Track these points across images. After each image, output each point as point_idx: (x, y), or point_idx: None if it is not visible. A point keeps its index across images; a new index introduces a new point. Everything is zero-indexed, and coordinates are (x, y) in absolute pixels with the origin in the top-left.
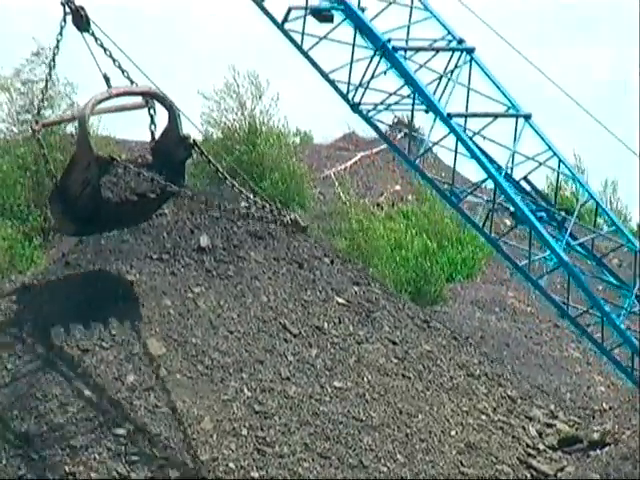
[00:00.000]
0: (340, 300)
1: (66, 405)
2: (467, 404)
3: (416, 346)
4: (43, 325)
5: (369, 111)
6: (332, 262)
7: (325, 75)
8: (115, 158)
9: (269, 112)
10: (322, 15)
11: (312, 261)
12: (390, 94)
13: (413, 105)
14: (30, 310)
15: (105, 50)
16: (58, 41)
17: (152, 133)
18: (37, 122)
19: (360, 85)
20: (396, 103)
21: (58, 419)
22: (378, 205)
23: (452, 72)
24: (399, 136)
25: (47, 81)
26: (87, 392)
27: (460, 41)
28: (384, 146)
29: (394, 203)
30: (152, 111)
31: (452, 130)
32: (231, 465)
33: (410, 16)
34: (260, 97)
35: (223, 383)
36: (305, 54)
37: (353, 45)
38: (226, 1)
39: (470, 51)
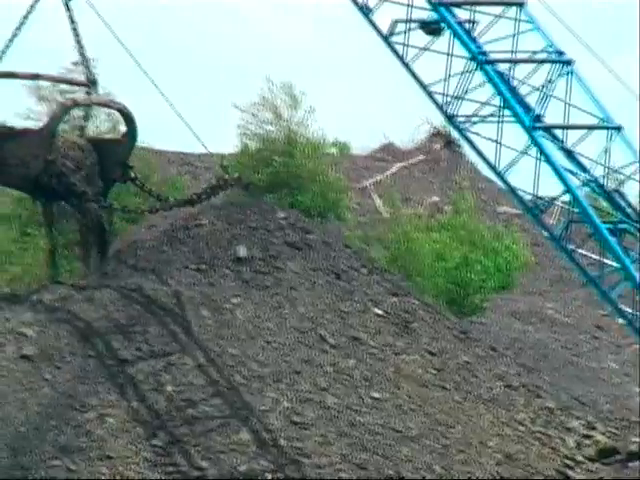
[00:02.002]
0: (378, 311)
1: (105, 416)
2: (505, 415)
3: (454, 357)
4: (82, 335)
5: (463, 122)
6: (370, 273)
7: (424, 87)
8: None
9: (306, 123)
10: (431, 28)
11: (350, 272)
12: (481, 104)
13: (501, 117)
14: (69, 320)
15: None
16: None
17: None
18: None
19: (456, 97)
20: (491, 115)
21: (96, 430)
22: (416, 216)
23: (549, 83)
24: (437, 147)
25: (14, 36)
26: (125, 403)
27: (559, 53)
28: (422, 157)
29: (432, 214)
30: (92, 91)
31: (535, 142)
32: (269, 476)
33: (517, 29)
34: (296, 108)
35: (261, 394)
36: (407, 66)
37: (449, 57)
38: (260, 13)
39: (569, 63)
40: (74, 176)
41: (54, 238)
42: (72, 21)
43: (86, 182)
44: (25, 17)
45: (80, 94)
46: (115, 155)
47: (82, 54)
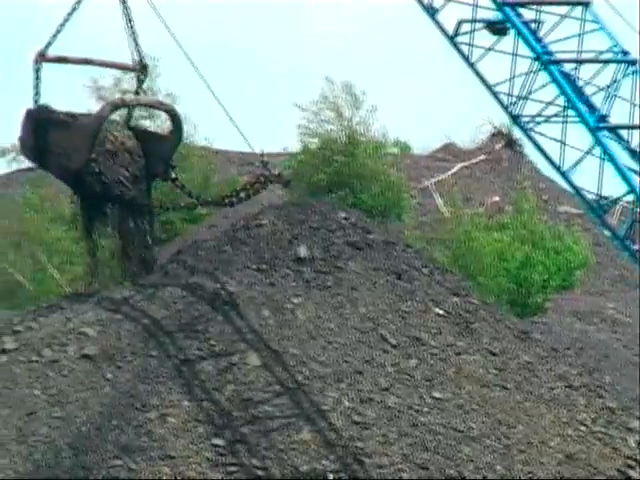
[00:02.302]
0: (439, 311)
1: (165, 416)
2: (566, 415)
3: (515, 357)
4: (143, 335)
5: (528, 122)
6: (431, 273)
7: (489, 87)
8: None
9: (367, 122)
10: (497, 28)
11: (411, 272)
12: (546, 104)
13: (565, 117)
14: (130, 320)
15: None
16: None
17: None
18: (42, 55)
19: (520, 97)
20: (556, 115)
21: (157, 429)
22: (477, 215)
23: (614, 83)
24: (498, 146)
25: (65, 20)
26: (186, 403)
27: (625, 53)
28: (483, 157)
29: (493, 214)
30: (142, 76)
31: (599, 142)
32: (330, 476)
33: (582, 29)
34: (357, 108)
35: (322, 394)
36: (472, 66)
37: (514, 57)
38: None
39: (634, 63)
40: (117, 177)
41: (93, 242)
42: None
43: (130, 184)
44: (77, 2)
45: (130, 94)
46: (159, 151)
47: (134, 38)
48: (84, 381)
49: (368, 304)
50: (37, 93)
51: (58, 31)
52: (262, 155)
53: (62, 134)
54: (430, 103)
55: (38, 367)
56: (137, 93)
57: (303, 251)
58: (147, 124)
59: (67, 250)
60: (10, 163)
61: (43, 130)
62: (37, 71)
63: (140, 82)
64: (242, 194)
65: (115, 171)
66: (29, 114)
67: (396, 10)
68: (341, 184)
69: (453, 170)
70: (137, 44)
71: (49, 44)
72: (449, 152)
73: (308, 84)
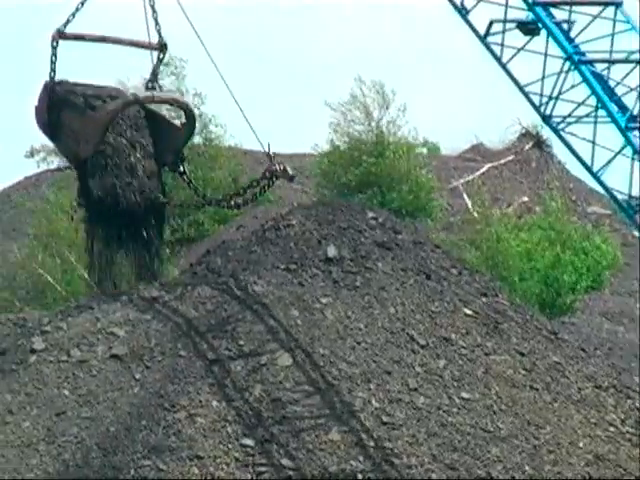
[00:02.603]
0: (468, 311)
1: (194, 416)
2: (595, 416)
3: (544, 357)
4: (172, 335)
5: (559, 123)
6: (460, 273)
7: (520, 87)
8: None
9: (396, 123)
10: (528, 28)
11: (440, 272)
12: (578, 104)
13: (596, 117)
14: (159, 320)
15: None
16: None
17: (153, 76)
18: (60, 32)
19: (551, 97)
20: (587, 115)
21: (186, 430)
22: (506, 216)
23: None
24: (527, 147)
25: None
26: (215, 403)
27: None
28: (511, 157)
29: (522, 214)
30: (161, 55)
31: (629, 142)
32: (359, 476)
33: (614, 29)
34: (387, 107)
35: (351, 394)
36: (503, 66)
37: (545, 56)
38: (352, 12)
39: None
40: (124, 179)
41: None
42: None
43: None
44: None
45: (146, 92)
46: (170, 140)
47: (155, 17)
48: (113, 381)
49: (397, 304)
50: (53, 70)
51: (77, 9)
52: (269, 149)
53: (75, 118)
54: (459, 103)
55: (67, 367)
56: (155, 74)
57: (332, 251)
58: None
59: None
60: (39, 163)
61: (57, 107)
62: (54, 49)
63: (159, 61)
64: (248, 193)
65: (122, 171)
66: (46, 87)
67: (426, 10)
68: (370, 184)
69: (482, 170)
70: (157, 22)
71: (67, 22)
72: (478, 153)
73: (338, 84)
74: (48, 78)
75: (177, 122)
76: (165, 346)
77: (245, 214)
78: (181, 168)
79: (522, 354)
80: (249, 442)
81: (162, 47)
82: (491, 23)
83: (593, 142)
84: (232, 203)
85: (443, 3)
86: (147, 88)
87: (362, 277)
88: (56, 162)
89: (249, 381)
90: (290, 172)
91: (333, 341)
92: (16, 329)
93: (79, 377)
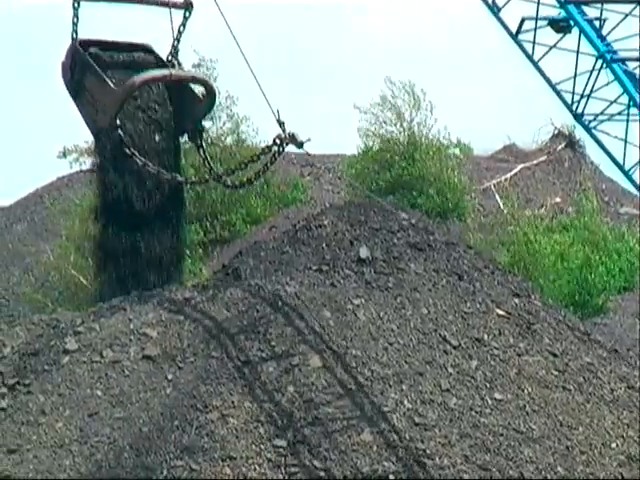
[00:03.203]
0: (500, 312)
1: (227, 416)
2: (628, 416)
3: (576, 358)
4: (204, 336)
5: (591, 121)
6: (492, 273)
7: (552, 85)
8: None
9: (428, 123)
10: (560, 26)
11: (472, 272)
12: (610, 102)
13: (628, 115)
14: (191, 321)
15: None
16: None
17: (174, 51)
18: None
19: (583, 95)
20: (619, 113)
21: (219, 430)
22: (539, 217)
23: None
24: (559, 147)
25: None
26: (247, 404)
27: None
28: (544, 158)
29: (554, 215)
30: (187, 13)
31: None
32: (391, 477)
33: None
34: (418, 108)
35: (383, 395)
36: (535, 64)
37: (577, 54)
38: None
39: None
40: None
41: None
42: None
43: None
44: None
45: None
46: (191, 109)
47: None
48: (145, 382)
49: (429, 305)
50: (75, 32)
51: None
52: (278, 115)
53: (95, 85)
54: (491, 103)
55: (100, 368)
56: (180, 33)
57: (364, 252)
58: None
59: None
60: (72, 164)
61: (81, 70)
62: (76, 10)
63: (185, 19)
64: (260, 163)
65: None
66: (72, 47)
67: (457, 9)
68: (402, 186)
69: (514, 171)
70: None
71: None
72: (510, 153)
73: (369, 85)
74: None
75: (198, 92)
76: (197, 347)
77: (277, 215)
78: (199, 140)
79: (555, 355)
80: (281, 443)
81: (188, 4)
82: (523, 21)
83: (625, 140)
84: (246, 178)
85: (473, 1)
86: (168, 61)
87: (394, 278)
88: (89, 162)
89: (281, 382)
90: (299, 139)
91: (365, 342)
92: (49, 330)
93: (112, 378)
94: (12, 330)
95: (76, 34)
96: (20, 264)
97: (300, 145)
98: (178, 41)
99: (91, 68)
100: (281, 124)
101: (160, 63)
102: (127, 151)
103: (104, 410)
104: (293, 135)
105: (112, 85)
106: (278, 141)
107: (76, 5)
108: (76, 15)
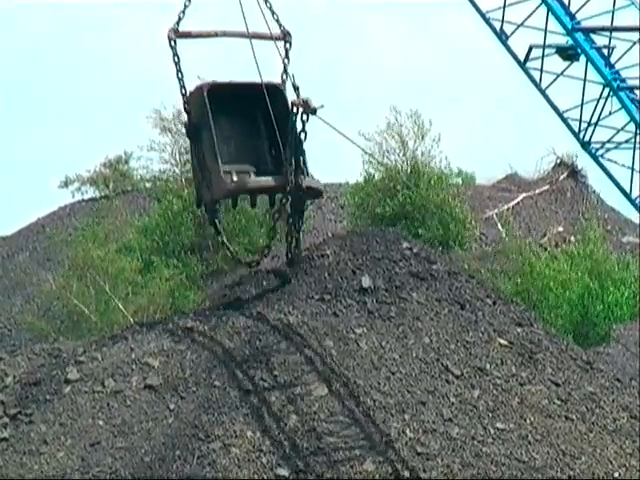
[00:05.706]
0: (502, 341)
1: (229, 446)
2: (630, 446)
3: (579, 388)
4: (206, 365)
5: (598, 149)
6: (494, 303)
7: (559, 113)
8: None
9: (431, 153)
10: (568, 53)
11: (474, 302)
12: (617, 130)
13: (635, 143)
14: (194, 350)
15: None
16: None
17: (284, 73)
18: (175, 30)
19: (590, 123)
20: (626, 141)
21: (221, 460)
22: (541, 246)
23: None
24: (562, 177)
25: None
26: (250, 433)
27: None
28: (546, 187)
29: (557, 244)
30: (288, 45)
31: None
32: None
33: None
34: (423, 137)
35: (385, 424)
36: (542, 92)
37: (584, 82)
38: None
39: None
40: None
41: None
42: None
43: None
44: None
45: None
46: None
47: (270, 7)
48: (147, 411)
49: (431, 334)
50: (179, 71)
51: (186, 6)
52: (293, 79)
53: (207, 148)
54: (493, 133)
55: (101, 397)
56: (284, 64)
57: (366, 281)
58: None
59: (131, 281)
60: (74, 193)
61: (199, 122)
62: (173, 48)
63: (286, 51)
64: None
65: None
66: (198, 91)
67: (461, 36)
68: (405, 215)
69: (516, 200)
70: (274, 12)
71: (179, 19)
72: (512, 182)
73: (373, 111)
74: (176, 80)
75: None
76: (199, 376)
77: (279, 244)
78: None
79: (557, 384)
80: (284, 472)
81: (286, 35)
82: (530, 48)
83: (632, 168)
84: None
85: (478, 29)
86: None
87: (397, 307)
88: (90, 192)
89: (284, 411)
90: (313, 105)
91: (368, 371)
92: (51, 359)
93: (113, 407)
94: (14, 359)
95: (181, 74)
96: (22, 293)
97: (314, 111)
98: (287, 73)
99: (209, 132)
100: (296, 89)
101: (284, 107)
102: (214, 230)
103: (106, 440)
104: (306, 101)
105: (222, 172)
106: (296, 109)
107: (173, 44)
108: (176, 54)
